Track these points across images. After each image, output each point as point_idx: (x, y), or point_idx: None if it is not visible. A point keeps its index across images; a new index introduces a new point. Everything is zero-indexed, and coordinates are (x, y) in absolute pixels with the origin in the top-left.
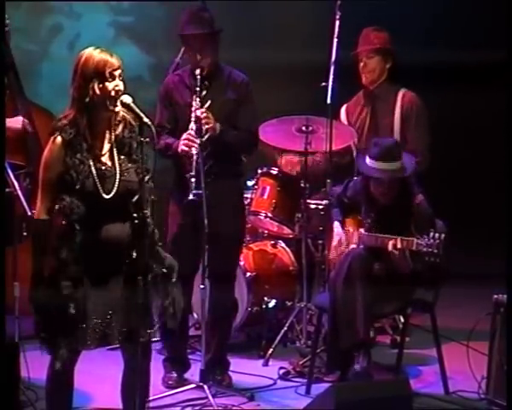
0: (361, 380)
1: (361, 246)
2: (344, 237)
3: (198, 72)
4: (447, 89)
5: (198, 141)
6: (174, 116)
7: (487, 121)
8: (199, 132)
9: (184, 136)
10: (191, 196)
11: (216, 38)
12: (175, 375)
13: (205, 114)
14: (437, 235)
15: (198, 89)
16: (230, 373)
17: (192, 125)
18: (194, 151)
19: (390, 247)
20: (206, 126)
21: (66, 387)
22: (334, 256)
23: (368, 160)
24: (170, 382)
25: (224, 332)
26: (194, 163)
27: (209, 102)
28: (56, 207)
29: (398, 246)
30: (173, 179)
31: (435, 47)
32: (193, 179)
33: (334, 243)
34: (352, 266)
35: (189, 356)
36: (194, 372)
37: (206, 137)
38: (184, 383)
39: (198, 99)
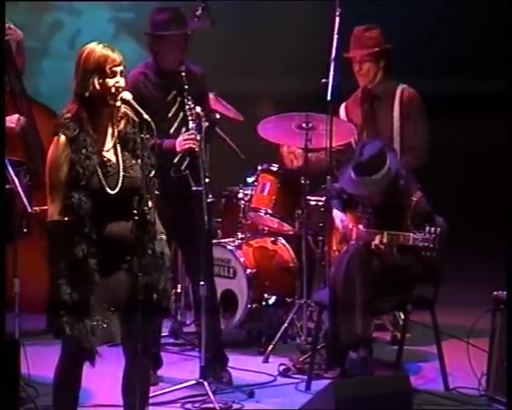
0: (357, 369)
1: (360, 242)
2: (345, 217)
3: (183, 68)
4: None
5: (199, 137)
6: None
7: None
8: (199, 129)
9: (186, 136)
10: (202, 189)
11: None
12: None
13: (201, 113)
14: (433, 229)
15: (187, 87)
16: (230, 370)
17: (191, 125)
18: (197, 149)
19: (376, 241)
20: (205, 125)
21: (74, 384)
22: (335, 249)
23: (351, 172)
24: None
25: (215, 329)
26: (201, 164)
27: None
28: (65, 204)
29: (384, 240)
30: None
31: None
32: (202, 175)
33: (338, 222)
34: (352, 262)
35: (189, 353)
36: (194, 369)
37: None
38: (157, 380)
39: (190, 97)
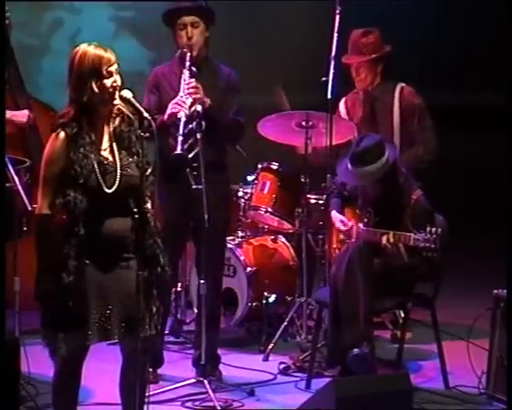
0: (360, 365)
1: (360, 241)
2: (343, 219)
3: (188, 48)
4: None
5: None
6: (161, 103)
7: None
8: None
9: (172, 103)
10: (178, 151)
11: (207, 18)
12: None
13: (194, 83)
14: (434, 230)
15: (188, 64)
16: (230, 368)
17: (181, 94)
18: (182, 114)
19: (383, 241)
20: (195, 96)
21: (73, 383)
22: (335, 246)
23: (347, 163)
24: None
25: (214, 326)
26: (181, 125)
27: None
28: (59, 201)
29: (391, 240)
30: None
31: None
32: (180, 138)
33: (337, 224)
34: (352, 260)
35: (189, 351)
36: (193, 368)
37: (193, 108)
38: (157, 378)
39: (188, 72)
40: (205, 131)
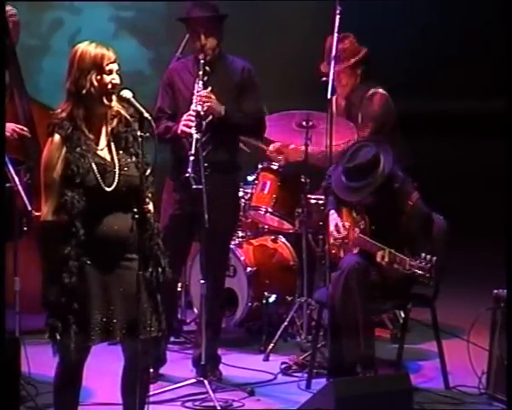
0: None
1: (355, 251)
2: (340, 222)
3: (202, 56)
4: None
5: (196, 122)
6: (175, 102)
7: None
8: (200, 116)
9: (185, 117)
10: (189, 174)
11: (220, 23)
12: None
13: (205, 94)
14: (429, 257)
15: (201, 73)
16: (230, 368)
17: (193, 107)
18: (193, 131)
19: (378, 258)
20: (208, 104)
21: (74, 384)
22: (332, 243)
23: (342, 176)
24: None
25: (215, 326)
26: (193, 144)
27: (210, 88)
28: (59, 203)
29: (386, 259)
30: (169, 169)
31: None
32: (191, 158)
33: (332, 228)
34: (349, 280)
35: (189, 351)
36: (193, 368)
37: (207, 119)
38: (159, 378)
39: (201, 82)
40: (217, 132)
